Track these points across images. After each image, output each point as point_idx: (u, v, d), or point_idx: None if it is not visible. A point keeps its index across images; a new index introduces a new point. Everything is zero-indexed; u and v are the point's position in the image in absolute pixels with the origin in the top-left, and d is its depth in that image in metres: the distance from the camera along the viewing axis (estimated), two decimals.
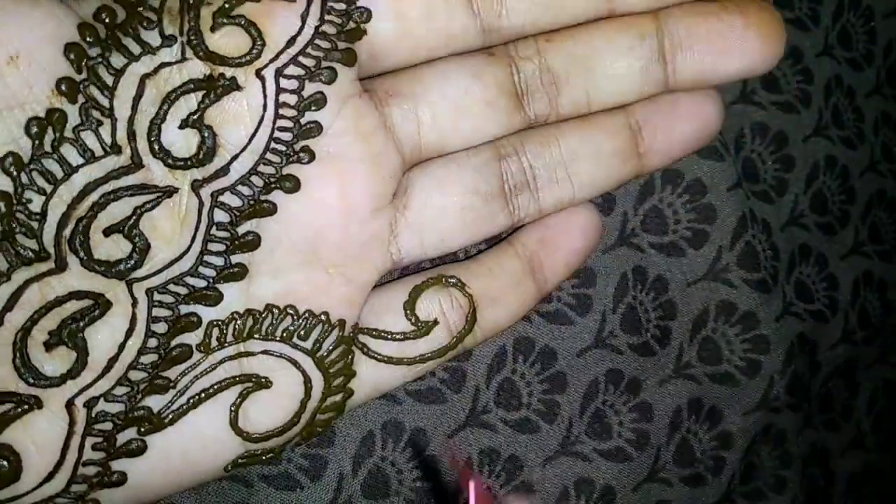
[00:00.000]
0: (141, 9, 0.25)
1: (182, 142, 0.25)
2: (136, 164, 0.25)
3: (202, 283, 0.26)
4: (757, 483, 0.36)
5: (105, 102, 0.24)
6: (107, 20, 0.24)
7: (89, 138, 0.24)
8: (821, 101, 0.38)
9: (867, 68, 0.40)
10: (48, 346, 0.24)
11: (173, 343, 0.26)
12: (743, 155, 0.36)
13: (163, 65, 0.25)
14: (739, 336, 0.35)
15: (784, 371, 0.35)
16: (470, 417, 0.32)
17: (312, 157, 0.27)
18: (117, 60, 0.24)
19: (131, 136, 0.25)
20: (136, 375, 0.25)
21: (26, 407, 0.24)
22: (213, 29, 0.25)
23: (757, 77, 0.36)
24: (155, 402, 0.25)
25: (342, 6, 0.26)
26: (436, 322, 0.28)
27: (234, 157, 0.26)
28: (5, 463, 0.23)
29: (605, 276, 0.33)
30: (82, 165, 0.24)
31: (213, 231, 0.26)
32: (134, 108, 0.25)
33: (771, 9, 0.29)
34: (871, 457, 0.40)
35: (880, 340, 0.41)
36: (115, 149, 0.24)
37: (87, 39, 0.24)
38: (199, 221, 0.26)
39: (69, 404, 0.24)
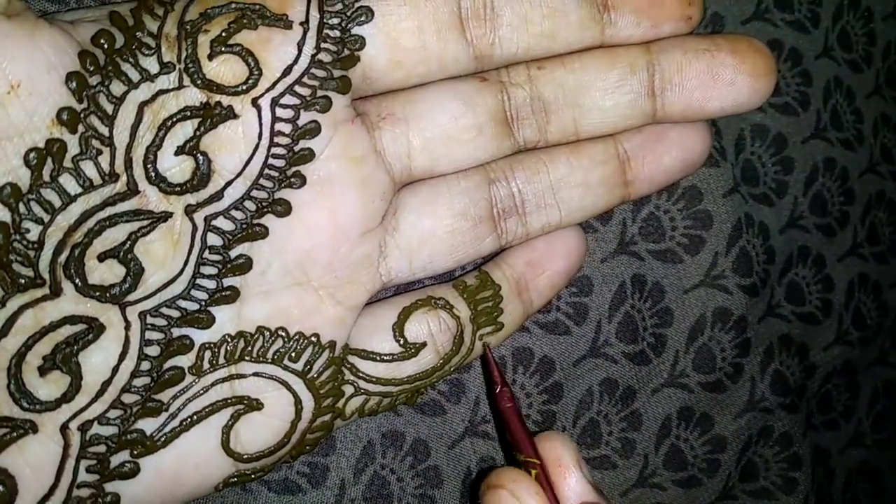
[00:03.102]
0: (139, 34, 0.25)
1: (177, 167, 0.25)
2: (132, 191, 0.25)
3: (194, 306, 0.26)
4: (763, 482, 0.37)
5: (105, 131, 0.24)
6: (106, 46, 0.24)
7: (88, 167, 0.24)
8: (820, 103, 0.38)
9: (866, 70, 0.41)
10: (42, 371, 0.24)
11: (166, 366, 0.26)
12: (743, 157, 0.36)
13: (160, 92, 0.25)
14: (732, 342, 0.36)
15: (763, 371, 0.36)
16: (469, 427, 0.32)
17: (304, 181, 0.27)
18: (117, 88, 0.24)
19: (128, 163, 0.25)
20: (129, 398, 0.25)
21: (21, 431, 0.24)
22: (210, 57, 0.25)
23: None
24: (148, 425, 0.26)
25: (337, 34, 0.27)
26: (424, 344, 0.29)
27: (229, 183, 0.26)
28: (1, 486, 0.24)
29: (602, 284, 0.34)
30: (80, 195, 0.24)
31: (206, 254, 0.26)
32: (132, 135, 0.25)
33: (762, 46, 0.29)
34: (869, 454, 0.41)
35: (879, 341, 0.41)
36: (113, 177, 0.24)
37: (88, 67, 0.24)
38: (192, 245, 0.26)
39: (64, 428, 0.25)
